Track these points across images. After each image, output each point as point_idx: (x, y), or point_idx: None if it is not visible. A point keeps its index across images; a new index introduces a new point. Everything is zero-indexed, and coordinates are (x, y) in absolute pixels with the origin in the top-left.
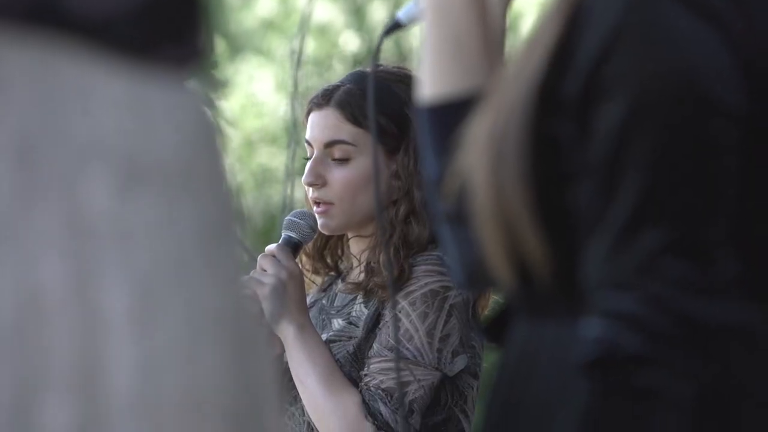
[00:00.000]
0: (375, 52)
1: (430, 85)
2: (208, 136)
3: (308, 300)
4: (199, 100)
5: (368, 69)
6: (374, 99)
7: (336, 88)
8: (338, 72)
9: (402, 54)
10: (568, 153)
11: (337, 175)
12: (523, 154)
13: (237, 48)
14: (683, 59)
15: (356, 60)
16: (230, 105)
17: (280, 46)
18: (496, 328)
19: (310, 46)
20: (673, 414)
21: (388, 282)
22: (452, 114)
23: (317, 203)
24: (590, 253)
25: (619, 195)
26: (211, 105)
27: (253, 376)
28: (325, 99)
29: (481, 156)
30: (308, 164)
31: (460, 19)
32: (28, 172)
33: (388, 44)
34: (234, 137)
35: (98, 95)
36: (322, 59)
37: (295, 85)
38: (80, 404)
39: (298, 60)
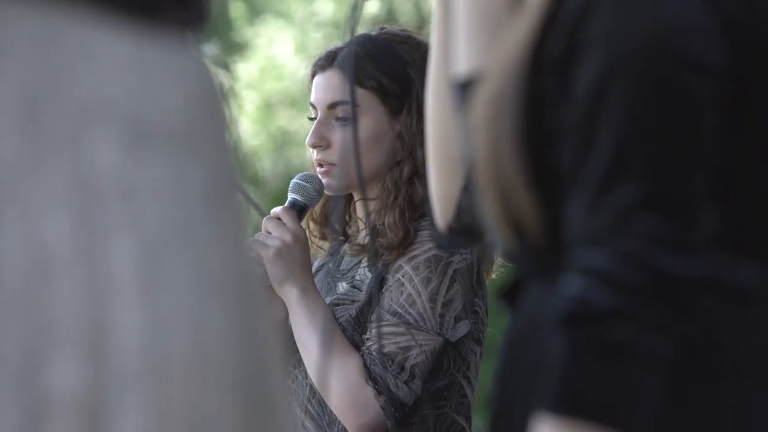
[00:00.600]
0: (352, 17)
1: (464, 60)
2: (213, 99)
3: (316, 264)
4: (204, 62)
5: (373, 32)
6: (380, 61)
7: (339, 50)
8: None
9: (422, 17)
10: (553, 111)
11: (341, 136)
12: (517, 114)
13: (257, 11)
14: (658, 18)
15: (375, 23)
16: (250, 68)
17: (299, 9)
18: (514, 293)
19: (330, 9)
20: (649, 369)
21: (369, 248)
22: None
23: (320, 164)
24: (569, 210)
25: (595, 152)
26: (225, 67)
27: (259, 338)
28: (328, 61)
29: (481, 118)
30: (313, 126)
31: None
32: (33, 130)
33: (407, 6)
34: (253, 100)
35: (102, 56)
36: (341, 22)
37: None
38: (88, 364)
39: (352, 27)
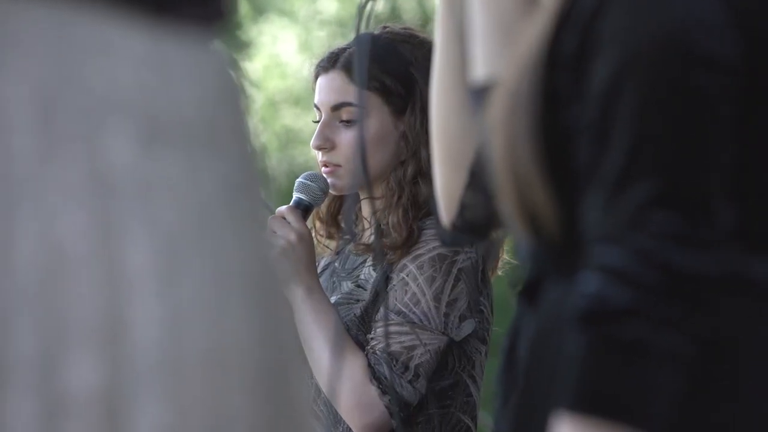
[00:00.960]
0: (358, 20)
1: (481, 65)
2: (231, 95)
3: (322, 263)
4: (222, 59)
5: (375, 32)
6: (383, 61)
7: (342, 51)
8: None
9: (426, 14)
10: (567, 109)
11: (345, 137)
12: (533, 111)
13: (260, 9)
14: (670, 15)
15: (380, 20)
16: (254, 66)
17: (303, 7)
18: (531, 292)
19: (333, 7)
20: (666, 366)
21: (375, 248)
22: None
23: (326, 165)
24: (586, 208)
25: (610, 149)
26: (236, 65)
27: (277, 333)
28: (331, 62)
29: (497, 114)
30: (317, 128)
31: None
32: (49, 126)
33: (410, 4)
34: (258, 98)
35: (118, 51)
36: (345, 20)
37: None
38: (105, 361)
39: (361, 26)
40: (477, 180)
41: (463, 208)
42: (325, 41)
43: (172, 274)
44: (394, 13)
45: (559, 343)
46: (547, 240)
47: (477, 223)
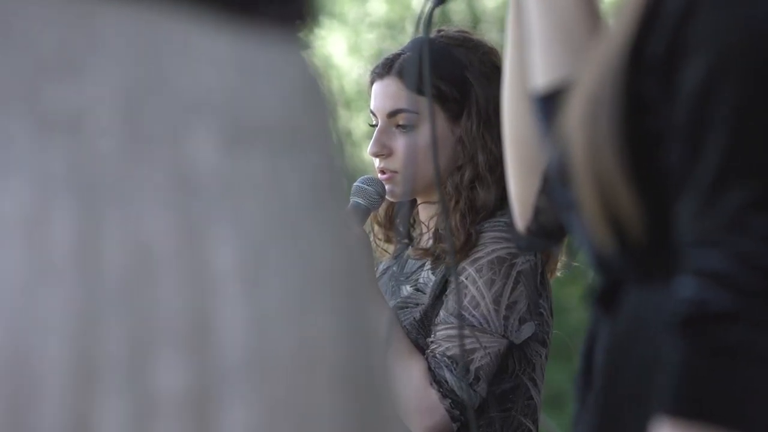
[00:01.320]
0: (426, 23)
1: (542, 73)
2: (314, 96)
3: (380, 267)
4: (305, 60)
5: (430, 35)
6: (433, 65)
7: (396, 56)
8: (410, 35)
9: (475, 15)
10: (655, 112)
11: (402, 144)
12: (616, 114)
13: None
14: (766, 17)
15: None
16: None
17: (352, 9)
18: (608, 298)
19: (383, 9)
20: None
21: (449, 249)
22: (566, 99)
23: (383, 172)
24: (679, 212)
25: (705, 153)
26: (318, 66)
27: (363, 333)
28: (386, 68)
29: (578, 118)
30: (374, 134)
31: (569, 4)
32: (134, 127)
33: (459, 6)
34: None
35: (200, 52)
36: (394, 22)
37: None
38: (193, 361)
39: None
40: (552, 185)
41: (537, 212)
42: (374, 43)
43: (258, 275)
44: (443, 16)
45: (643, 348)
46: (629, 245)
47: (551, 227)
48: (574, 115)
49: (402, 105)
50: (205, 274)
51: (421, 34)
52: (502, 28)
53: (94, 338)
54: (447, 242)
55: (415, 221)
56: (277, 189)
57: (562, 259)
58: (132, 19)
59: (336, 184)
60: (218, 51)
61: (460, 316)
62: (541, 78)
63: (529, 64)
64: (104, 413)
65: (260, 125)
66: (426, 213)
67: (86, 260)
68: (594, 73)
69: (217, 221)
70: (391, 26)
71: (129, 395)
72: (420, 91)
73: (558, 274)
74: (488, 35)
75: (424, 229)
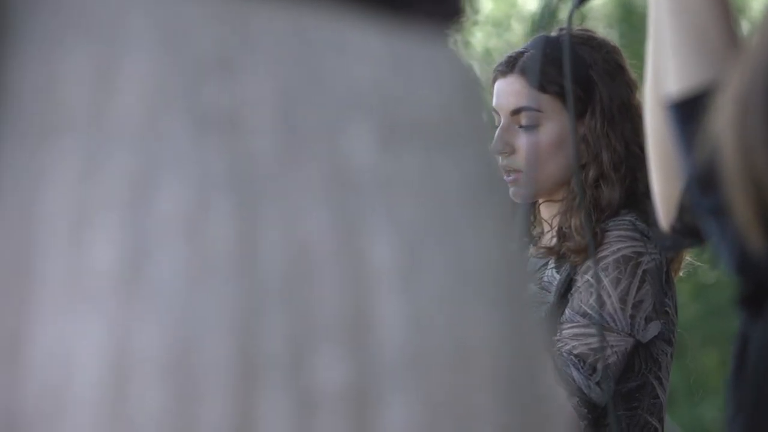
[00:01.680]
0: (568, 22)
1: (675, 80)
2: (469, 93)
3: None
4: (460, 57)
5: (553, 34)
6: (562, 65)
7: (519, 54)
8: (517, 32)
9: (582, 14)
10: None
11: (525, 142)
12: (766, 111)
13: None
14: None
15: (535, 20)
16: None
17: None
18: (757, 300)
19: (488, 7)
20: None
21: (589, 249)
22: (702, 106)
23: (507, 172)
24: None
25: None
26: (472, 63)
27: (520, 331)
28: (509, 66)
29: (727, 120)
30: (496, 132)
31: (702, 8)
32: (290, 126)
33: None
34: None
35: (354, 49)
36: (500, 19)
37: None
38: (353, 358)
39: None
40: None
41: (681, 211)
42: (480, 41)
43: (415, 271)
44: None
45: None
46: None
47: (696, 225)
48: (724, 117)
49: (525, 103)
50: (363, 270)
51: (541, 32)
52: (608, 25)
53: (256, 335)
54: (580, 235)
55: (534, 219)
56: (433, 185)
57: (686, 259)
58: (286, 17)
59: (493, 179)
60: (372, 48)
61: (588, 315)
62: (674, 85)
63: (661, 69)
64: (267, 408)
65: (416, 121)
66: (548, 211)
67: (245, 258)
68: (745, 75)
69: (374, 218)
70: (497, 24)
71: (290, 391)
72: (543, 89)
73: (681, 273)
74: None
75: (546, 228)
